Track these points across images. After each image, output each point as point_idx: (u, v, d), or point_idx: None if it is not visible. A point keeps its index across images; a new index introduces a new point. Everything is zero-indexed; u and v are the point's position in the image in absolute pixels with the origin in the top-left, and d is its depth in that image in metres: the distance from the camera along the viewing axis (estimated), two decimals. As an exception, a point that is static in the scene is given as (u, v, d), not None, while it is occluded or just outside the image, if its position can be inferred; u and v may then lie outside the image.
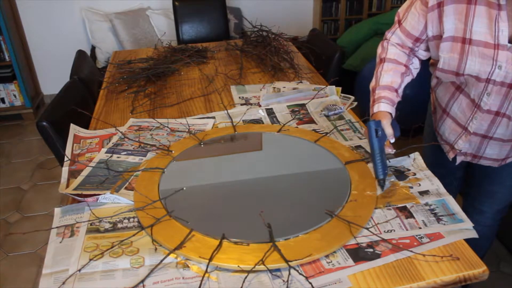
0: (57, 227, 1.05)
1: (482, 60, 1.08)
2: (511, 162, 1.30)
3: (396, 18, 1.28)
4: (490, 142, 1.24)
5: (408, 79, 1.28)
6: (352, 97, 1.69)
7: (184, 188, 1.17)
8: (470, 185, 1.47)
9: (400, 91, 1.25)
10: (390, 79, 1.24)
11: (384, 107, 1.20)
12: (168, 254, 0.94)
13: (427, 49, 1.26)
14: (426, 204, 1.08)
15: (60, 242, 1.00)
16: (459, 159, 1.34)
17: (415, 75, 1.31)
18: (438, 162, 1.39)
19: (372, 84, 1.27)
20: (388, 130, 1.17)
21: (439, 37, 1.15)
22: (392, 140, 1.18)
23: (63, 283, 0.89)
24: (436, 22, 1.14)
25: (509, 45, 1.04)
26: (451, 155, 1.34)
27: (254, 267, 0.90)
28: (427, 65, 1.36)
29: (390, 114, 1.20)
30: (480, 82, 1.12)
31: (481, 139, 1.24)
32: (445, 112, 1.31)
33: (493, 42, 1.05)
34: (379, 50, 1.32)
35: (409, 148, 1.27)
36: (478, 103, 1.16)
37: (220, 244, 0.96)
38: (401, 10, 1.26)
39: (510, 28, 1.03)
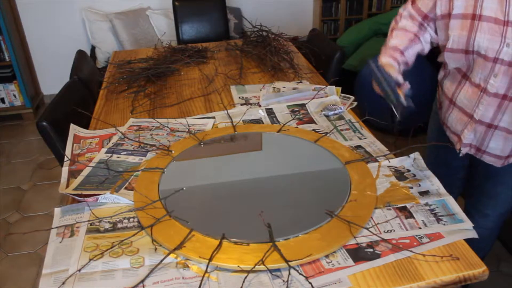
0: (57, 227, 1.05)
1: (491, 37, 1.08)
2: None
3: None
4: (495, 133, 1.21)
5: (417, 48, 1.29)
6: (352, 97, 1.69)
7: (184, 188, 1.17)
8: (473, 187, 1.46)
9: (407, 54, 1.26)
10: (396, 41, 1.27)
11: (385, 59, 1.23)
12: (168, 254, 0.94)
13: (435, 32, 1.27)
14: (426, 204, 1.08)
15: (60, 242, 1.00)
16: (464, 150, 1.31)
17: (426, 50, 1.31)
18: (441, 162, 1.39)
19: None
20: (396, 75, 1.15)
21: (447, 16, 1.16)
22: (407, 86, 1.14)
23: (63, 283, 0.89)
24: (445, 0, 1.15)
25: None
26: (458, 147, 1.32)
27: (254, 267, 0.90)
28: (427, 66, 1.36)
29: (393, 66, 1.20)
30: (488, 61, 1.11)
31: (486, 128, 1.22)
32: (452, 103, 1.30)
33: (503, 19, 1.05)
34: (392, 24, 1.35)
35: (409, 148, 1.27)
36: (485, 87, 1.15)
37: (220, 244, 0.96)
38: None
39: None
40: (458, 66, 1.23)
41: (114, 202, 1.12)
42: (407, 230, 1.00)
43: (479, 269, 0.90)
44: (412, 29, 1.29)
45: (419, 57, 1.34)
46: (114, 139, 1.43)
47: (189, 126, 1.50)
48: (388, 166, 1.24)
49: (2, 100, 3.42)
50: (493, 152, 1.26)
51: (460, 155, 1.33)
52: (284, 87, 1.80)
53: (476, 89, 1.19)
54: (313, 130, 1.45)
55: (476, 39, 1.10)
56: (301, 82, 1.87)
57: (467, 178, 1.52)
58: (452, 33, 1.15)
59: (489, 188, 1.39)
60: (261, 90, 1.79)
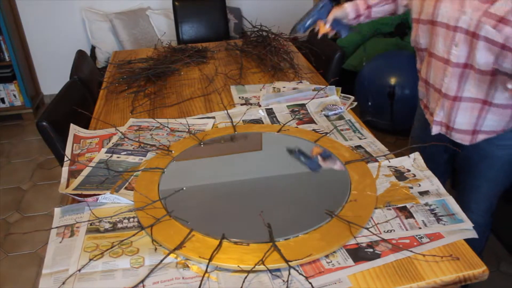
0: (57, 227, 1.05)
1: (451, 6, 1.17)
2: (489, 153, 1.31)
3: None
4: (460, 106, 1.25)
5: (388, 8, 1.48)
6: (352, 97, 1.69)
7: (184, 188, 1.17)
8: (456, 182, 1.50)
9: (374, 10, 1.48)
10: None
11: (347, 4, 1.48)
12: (168, 254, 0.94)
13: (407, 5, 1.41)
14: (426, 204, 1.08)
15: (60, 242, 1.00)
16: (434, 130, 1.36)
17: (398, 12, 1.49)
18: (425, 158, 1.43)
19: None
20: (330, 16, 1.47)
21: None
22: (327, 26, 1.49)
23: (63, 283, 0.89)
24: None
25: None
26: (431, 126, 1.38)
27: (254, 267, 0.90)
28: None
29: (347, 12, 1.49)
30: (449, 31, 1.19)
31: (452, 102, 1.26)
32: (427, 83, 1.36)
33: None
34: None
35: (409, 148, 1.27)
36: (448, 58, 1.22)
37: (220, 244, 0.96)
38: None
39: None
40: (426, 43, 1.31)
41: (114, 202, 1.12)
42: (407, 230, 1.00)
43: (479, 269, 0.90)
44: None
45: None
46: (114, 139, 1.43)
47: (189, 126, 1.50)
48: (388, 166, 1.24)
49: (2, 100, 3.42)
50: (460, 128, 1.29)
51: (432, 133, 1.38)
52: (284, 87, 1.80)
53: (441, 62, 1.25)
54: (313, 130, 1.45)
55: (441, 8, 1.20)
56: (301, 82, 1.87)
57: (451, 173, 1.55)
58: (420, 2, 1.27)
59: (468, 181, 1.41)
60: (261, 90, 1.79)
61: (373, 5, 1.48)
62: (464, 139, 1.31)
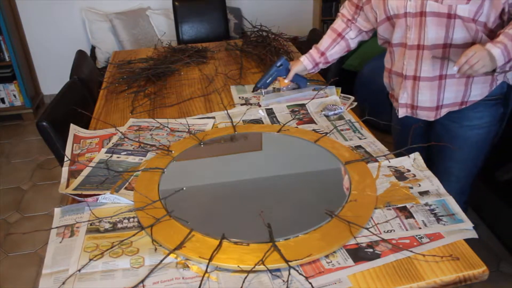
0: (57, 227, 1.05)
1: None
2: (457, 134, 1.38)
3: None
4: (420, 85, 1.34)
5: (340, 47, 1.63)
6: (352, 97, 1.69)
7: (184, 188, 1.17)
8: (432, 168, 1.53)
9: (329, 53, 1.64)
10: (321, 42, 1.65)
11: (302, 58, 1.66)
12: (168, 254, 0.94)
13: (367, 20, 1.53)
14: (426, 204, 1.08)
15: (60, 242, 1.00)
16: (401, 112, 1.44)
17: (352, 46, 1.64)
18: (402, 142, 1.50)
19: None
20: (290, 73, 1.66)
21: None
22: (286, 81, 1.69)
23: (63, 283, 0.89)
24: None
25: None
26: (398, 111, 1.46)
27: (254, 267, 0.90)
28: None
29: (304, 65, 1.65)
30: (401, 19, 1.30)
31: (413, 82, 1.36)
32: (390, 72, 1.47)
33: None
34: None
35: (409, 148, 1.27)
36: (405, 42, 1.33)
37: (220, 244, 0.96)
38: None
39: None
40: (387, 37, 1.43)
41: (114, 202, 1.12)
42: (407, 230, 1.00)
43: (479, 269, 0.90)
44: (338, 28, 1.61)
45: None
46: (114, 139, 1.43)
47: (189, 126, 1.50)
48: (388, 166, 1.24)
49: (2, 100, 3.42)
50: (424, 105, 1.38)
51: (399, 116, 1.46)
52: (284, 87, 1.80)
53: (400, 47, 1.37)
54: (313, 130, 1.45)
55: (389, 4, 1.31)
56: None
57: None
58: (374, 7, 1.39)
59: (441, 164, 1.47)
60: (261, 90, 1.79)
61: (326, 50, 1.63)
62: (429, 116, 1.40)
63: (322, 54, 1.64)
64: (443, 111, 1.37)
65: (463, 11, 1.18)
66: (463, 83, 1.31)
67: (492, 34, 1.23)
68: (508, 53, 1.11)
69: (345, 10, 1.59)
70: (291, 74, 1.66)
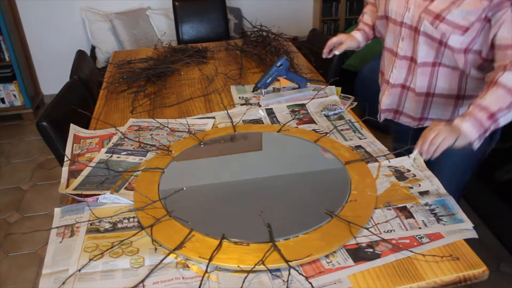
0: (57, 227, 1.05)
1: (399, 2, 1.25)
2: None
3: None
4: (408, 94, 1.33)
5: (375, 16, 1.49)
6: (352, 97, 1.69)
7: (184, 188, 1.17)
8: None
9: (373, 18, 1.52)
10: (369, 19, 1.55)
11: (356, 34, 1.54)
12: (168, 254, 0.94)
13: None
14: (426, 204, 1.08)
15: (60, 242, 1.00)
16: (382, 116, 1.45)
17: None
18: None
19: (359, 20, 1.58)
20: (342, 47, 1.52)
21: None
22: (337, 52, 1.55)
23: (63, 283, 0.89)
24: None
25: None
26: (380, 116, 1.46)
27: (254, 267, 0.90)
28: None
29: (359, 41, 1.54)
30: (396, 25, 1.28)
31: (401, 90, 1.34)
32: (382, 74, 1.45)
33: None
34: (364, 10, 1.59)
35: (409, 148, 1.27)
36: (396, 51, 1.30)
37: (220, 244, 0.96)
38: None
39: None
40: (383, 34, 1.40)
41: (114, 202, 1.12)
42: (407, 230, 1.00)
43: (479, 269, 0.90)
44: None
45: None
46: (114, 139, 1.43)
47: (189, 126, 1.50)
48: (388, 166, 1.24)
49: (2, 100, 3.42)
50: (408, 113, 1.37)
51: (380, 121, 1.46)
52: (284, 87, 1.80)
53: (390, 54, 1.34)
54: (313, 130, 1.45)
55: (390, 4, 1.28)
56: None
57: None
58: (378, 1, 1.36)
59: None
60: (261, 90, 1.78)
61: (374, 22, 1.49)
62: (410, 123, 1.39)
63: (371, 27, 1.55)
64: (426, 123, 1.34)
65: (455, 42, 1.14)
66: (453, 104, 1.27)
67: (486, 64, 1.18)
68: (481, 125, 1.04)
69: None
70: (343, 47, 1.53)
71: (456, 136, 1.03)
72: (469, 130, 1.04)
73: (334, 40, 1.54)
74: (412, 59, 1.27)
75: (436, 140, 1.03)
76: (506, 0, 1.04)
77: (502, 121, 1.05)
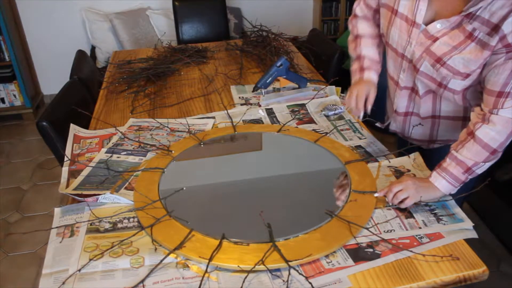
0: (57, 227, 1.05)
1: (400, 33, 1.16)
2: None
3: None
4: (411, 121, 1.29)
5: (382, 44, 1.36)
6: (352, 97, 1.69)
7: (184, 188, 1.17)
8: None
9: (381, 57, 1.38)
10: (373, 52, 1.34)
11: (372, 77, 1.31)
12: (168, 254, 0.94)
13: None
14: (426, 204, 1.08)
15: (60, 242, 1.00)
16: (391, 130, 1.39)
17: None
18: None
19: (357, 52, 1.36)
20: (368, 103, 1.27)
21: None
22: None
23: (63, 283, 0.89)
24: None
25: (423, 26, 1.09)
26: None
27: (254, 267, 0.90)
28: None
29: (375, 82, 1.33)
30: (398, 56, 1.21)
31: (404, 118, 1.30)
32: (388, 96, 1.39)
33: (412, 19, 1.11)
34: (349, 27, 1.40)
35: (409, 148, 1.27)
36: (397, 81, 1.25)
37: (220, 244, 0.96)
38: None
39: (429, 11, 1.08)
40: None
41: (114, 202, 1.12)
42: (407, 230, 1.00)
43: (479, 269, 0.90)
44: (374, 32, 1.35)
45: None
46: (114, 139, 1.43)
47: (189, 126, 1.50)
48: (388, 166, 1.24)
49: (2, 100, 3.42)
50: (416, 138, 1.33)
51: (383, 127, 1.39)
52: (284, 87, 1.80)
53: (392, 82, 1.29)
54: (313, 130, 1.45)
55: (391, 32, 1.19)
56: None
57: None
58: (381, 21, 1.25)
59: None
60: (261, 90, 1.78)
61: (379, 57, 1.37)
62: (422, 145, 1.36)
63: (378, 62, 1.37)
64: (436, 145, 1.32)
65: (456, 85, 1.10)
66: (460, 125, 1.23)
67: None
68: (457, 180, 1.04)
69: (362, 11, 1.36)
70: (373, 98, 1.29)
71: (424, 193, 1.04)
72: (445, 187, 1.05)
73: (360, 97, 1.29)
74: (413, 89, 1.22)
75: (399, 195, 1.04)
76: (504, 48, 0.98)
77: (479, 171, 1.06)
